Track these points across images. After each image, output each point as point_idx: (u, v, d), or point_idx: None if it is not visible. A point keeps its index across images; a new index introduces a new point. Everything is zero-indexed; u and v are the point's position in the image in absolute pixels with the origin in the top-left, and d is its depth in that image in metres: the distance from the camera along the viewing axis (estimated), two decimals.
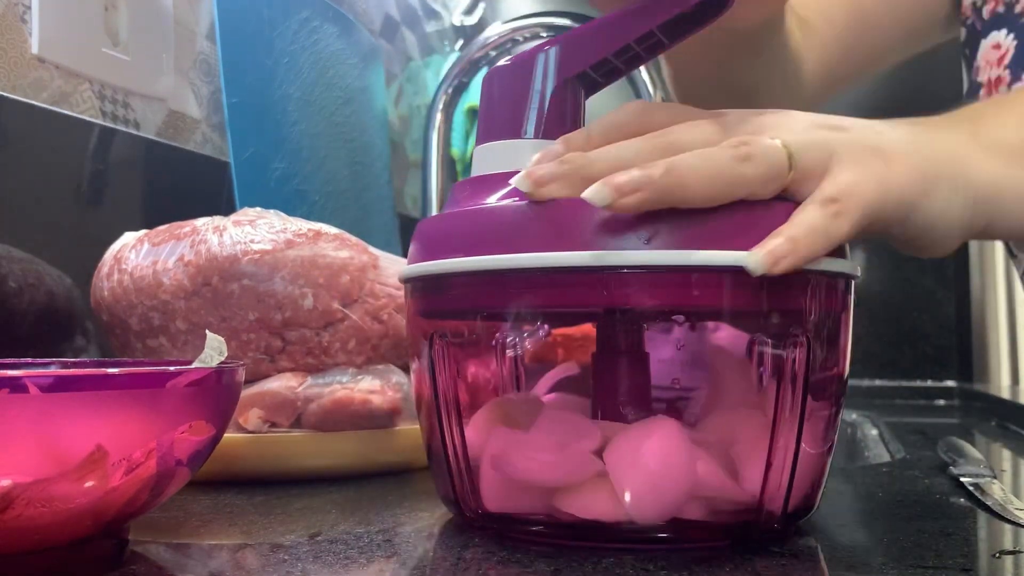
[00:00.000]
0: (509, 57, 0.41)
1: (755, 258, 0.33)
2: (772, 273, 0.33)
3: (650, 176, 0.34)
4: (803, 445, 0.36)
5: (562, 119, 0.40)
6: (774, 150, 0.35)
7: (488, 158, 0.41)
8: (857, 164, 0.36)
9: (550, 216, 0.35)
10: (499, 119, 0.41)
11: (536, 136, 0.40)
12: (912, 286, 1.23)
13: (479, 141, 0.41)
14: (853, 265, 0.38)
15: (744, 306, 0.35)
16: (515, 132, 0.40)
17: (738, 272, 0.34)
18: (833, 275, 0.37)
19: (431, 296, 0.40)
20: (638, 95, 0.90)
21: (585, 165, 0.36)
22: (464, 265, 0.37)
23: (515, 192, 0.37)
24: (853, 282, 0.38)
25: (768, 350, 0.35)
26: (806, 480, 0.37)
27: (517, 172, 0.38)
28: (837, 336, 0.37)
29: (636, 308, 0.35)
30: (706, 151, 0.35)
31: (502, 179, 0.39)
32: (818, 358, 0.36)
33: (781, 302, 0.36)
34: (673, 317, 0.37)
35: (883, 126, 0.40)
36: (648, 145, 0.37)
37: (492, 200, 0.38)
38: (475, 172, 0.41)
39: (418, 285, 0.40)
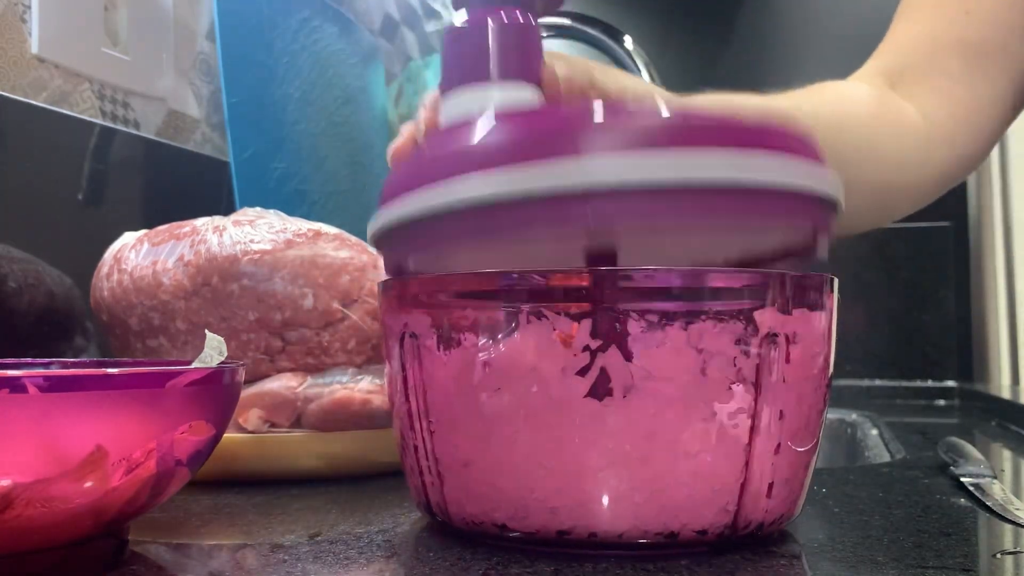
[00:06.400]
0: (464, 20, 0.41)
1: None
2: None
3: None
4: (788, 445, 0.36)
5: (524, 60, 0.40)
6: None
7: (455, 109, 0.40)
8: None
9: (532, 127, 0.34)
10: (462, 70, 0.40)
11: (502, 79, 0.39)
12: (912, 286, 1.22)
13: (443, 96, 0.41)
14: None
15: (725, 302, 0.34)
16: (480, 78, 0.39)
17: (720, 270, 0.34)
18: (816, 273, 0.37)
19: (401, 251, 0.38)
20: None
21: None
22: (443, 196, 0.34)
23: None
24: (836, 281, 0.38)
25: (750, 349, 0.34)
26: (791, 481, 0.37)
27: (483, 116, 0.36)
28: (820, 336, 0.37)
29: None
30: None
31: (465, 127, 0.36)
32: (801, 358, 0.36)
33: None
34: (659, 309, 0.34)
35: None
36: None
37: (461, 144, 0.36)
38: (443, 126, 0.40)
39: (386, 243, 0.39)
